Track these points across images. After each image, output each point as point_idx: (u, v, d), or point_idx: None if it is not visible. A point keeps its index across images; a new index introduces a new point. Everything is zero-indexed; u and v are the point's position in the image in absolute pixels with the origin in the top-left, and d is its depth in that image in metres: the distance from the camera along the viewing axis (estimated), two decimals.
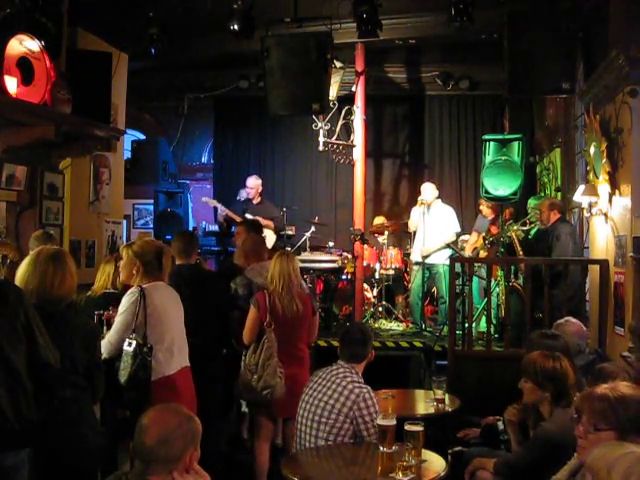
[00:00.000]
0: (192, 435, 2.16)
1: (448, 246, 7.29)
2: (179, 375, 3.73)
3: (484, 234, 7.46)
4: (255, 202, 8.24)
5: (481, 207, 7.78)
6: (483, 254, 7.20)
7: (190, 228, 9.80)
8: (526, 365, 3.32)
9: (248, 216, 8.08)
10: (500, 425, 3.97)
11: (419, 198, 7.57)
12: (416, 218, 7.74)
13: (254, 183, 8.24)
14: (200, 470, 2.18)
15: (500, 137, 6.82)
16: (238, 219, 8.04)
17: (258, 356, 4.27)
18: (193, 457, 2.15)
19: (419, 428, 3.15)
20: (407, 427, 3.16)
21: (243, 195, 9.06)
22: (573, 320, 4.38)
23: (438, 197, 7.66)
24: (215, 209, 8.94)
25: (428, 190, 7.59)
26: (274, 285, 4.38)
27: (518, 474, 3.22)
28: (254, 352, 4.31)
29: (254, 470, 4.44)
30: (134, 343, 3.48)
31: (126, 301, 3.59)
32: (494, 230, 7.18)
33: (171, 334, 3.71)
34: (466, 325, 5.97)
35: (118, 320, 3.61)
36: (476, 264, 6.84)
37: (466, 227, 8.19)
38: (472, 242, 7.75)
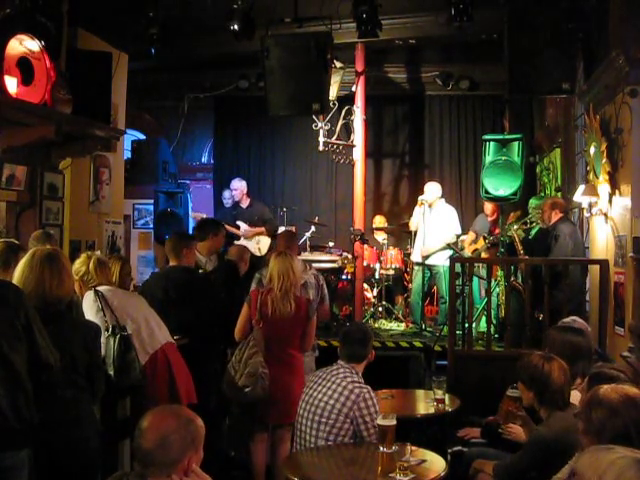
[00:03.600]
0: (192, 438, 2.12)
1: (449, 246, 7.29)
2: (167, 348, 3.89)
3: (485, 234, 7.44)
4: (244, 205, 8.20)
5: (485, 206, 7.77)
6: (484, 255, 7.19)
7: (190, 228, 9.79)
8: (518, 365, 3.36)
9: (239, 223, 8.05)
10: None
11: (419, 198, 7.55)
12: (417, 218, 7.73)
13: (238, 185, 8.24)
14: (201, 473, 2.15)
15: (500, 137, 6.80)
16: (231, 228, 7.90)
17: (242, 353, 4.24)
18: (192, 460, 2.11)
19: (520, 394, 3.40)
20: (509, 392, 3.51)
21: (227, 196, 9.03)
22: (580, 320, 4.38)
23: (441, 197, 7.63)
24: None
25: (430, 189, 7.55)
26: (272, 284, 4.34)
27: (517, 477, 3.22)
28: (240, 349, 4.27)
29: (251, 471, 4.43)
30: (110, 327, 3.63)
31: (87, 304, 3.75)
32: (499, 231, 7.14)
33: (143, 313, 3.92)
34: (466, 325, 5.97)
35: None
36: (476, 264, 6.83)
37: (466, 228, 8.17)
38: (468, 241, 7.73)
